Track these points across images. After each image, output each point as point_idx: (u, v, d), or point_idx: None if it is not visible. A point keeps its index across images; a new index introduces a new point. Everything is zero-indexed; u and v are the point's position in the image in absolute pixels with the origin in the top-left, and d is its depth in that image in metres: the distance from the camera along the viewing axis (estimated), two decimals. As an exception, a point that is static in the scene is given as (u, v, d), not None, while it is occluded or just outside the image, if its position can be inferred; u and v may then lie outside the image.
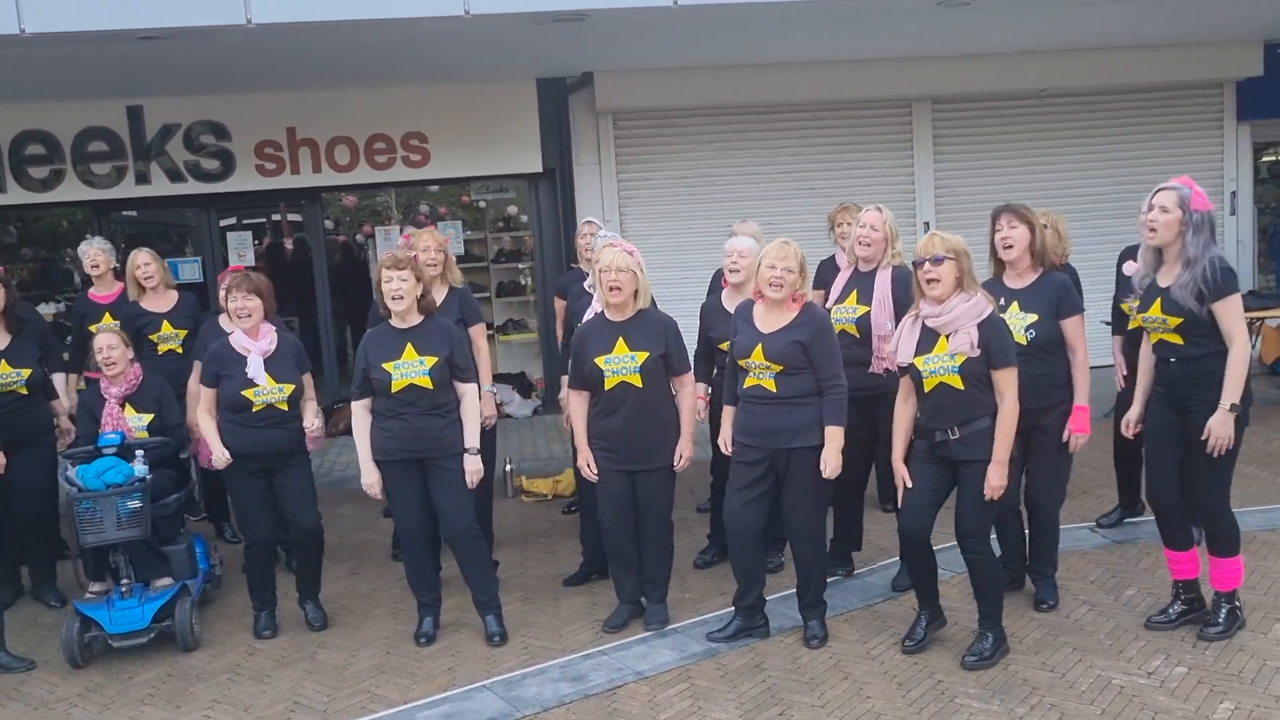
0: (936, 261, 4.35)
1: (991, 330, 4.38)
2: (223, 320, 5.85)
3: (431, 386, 4.90)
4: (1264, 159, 11.64)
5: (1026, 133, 10.71)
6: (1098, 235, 9.75)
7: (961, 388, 4.39)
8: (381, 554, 6.47)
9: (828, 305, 5.45)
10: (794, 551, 5.01)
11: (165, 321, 6.64)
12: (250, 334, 5.25)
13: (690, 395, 5.07)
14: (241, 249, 10.47)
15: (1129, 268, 6.10)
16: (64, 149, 9.48)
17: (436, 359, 4.92)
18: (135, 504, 5.11)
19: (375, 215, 11.56)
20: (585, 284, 5.93)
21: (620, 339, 4.89)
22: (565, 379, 5.53)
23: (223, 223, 10.71)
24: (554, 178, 10.23)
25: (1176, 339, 4.53)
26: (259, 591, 5.44)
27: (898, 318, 4.96)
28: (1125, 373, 5.70)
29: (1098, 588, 5.34)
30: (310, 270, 10.47)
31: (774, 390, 4.68)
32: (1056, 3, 8.05)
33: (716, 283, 6.22)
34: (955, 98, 10.51)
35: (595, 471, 5.03)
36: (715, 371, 5.60)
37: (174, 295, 6.78)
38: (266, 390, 5.19)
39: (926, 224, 10.57)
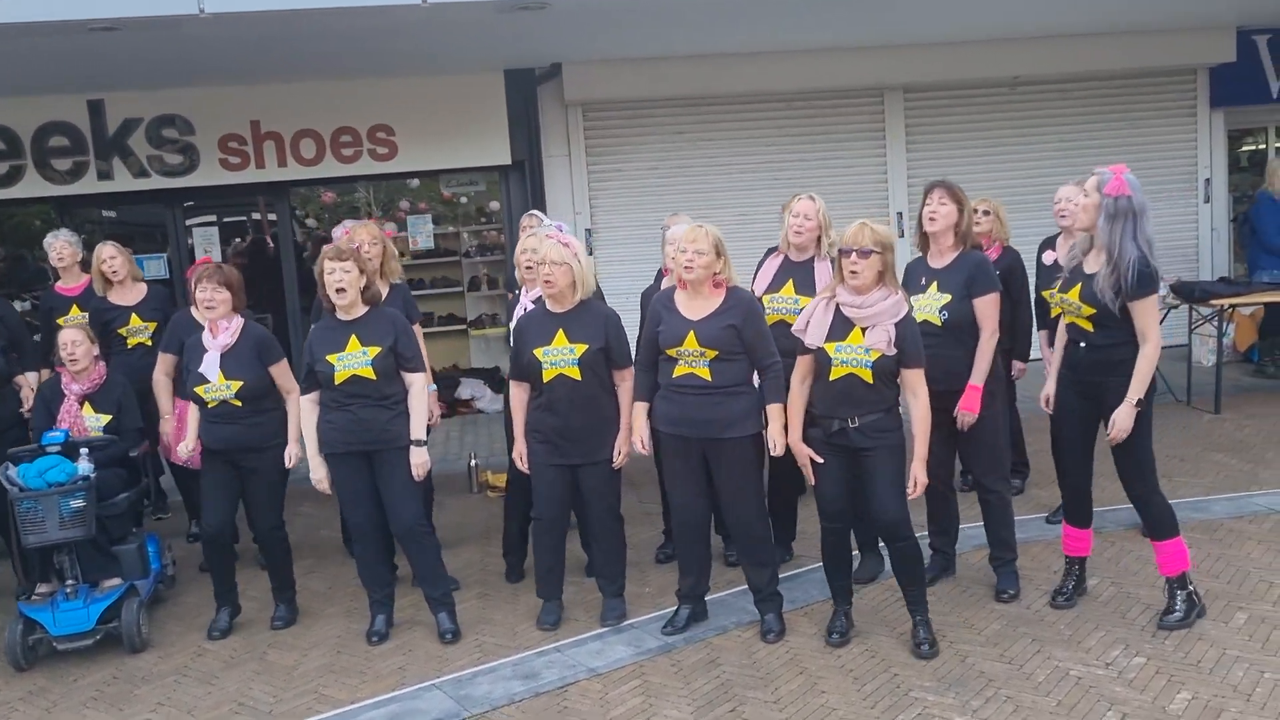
0: (864, 254, 4.29)
1: (907, 330, 4.35)
2: (195, 311, 5.74)
3: (375, 377, 4.80)
4: (1244, 148, 11.60)
5: (999, 121, 10.64)
6: (1071, 223, 9.68)
7: (871, 382, 4.35)
8: (341, 552, 6.37)
9: (760, 294, 5.37)
10: (740, 547, 4.91)
11: (134, 314, 6.54)
12: (213, 328, 5.15)
13: (629, 390, 4.95)
14: (208, 244, 10.35)
15: (1048, 257, 6.12)
16: (24, 144, 9.32)
17: (380, 349, 4.83)
18: (78, 503, 5.00)
19: (354, 211, 11.45)
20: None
21: (560, 330, 4.81)
22: None
23: (200, 219, 10.61)
24: (523, 170, 10.12)
25: (1087, 325, 4.54)
26: (217, 585, 5.34)
27: None
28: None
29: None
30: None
31: (708, 378, 4.61)
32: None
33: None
34: (928, 86, 10.44)
35: (526, 464, 4.94)
36: None
37: (142, 288, 6.68)
38: (215, 387, 5.08)
39: (900, 214, 10.52)
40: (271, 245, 12.02)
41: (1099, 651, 4.47)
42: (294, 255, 10.28)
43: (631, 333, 6.09)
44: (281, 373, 5.21)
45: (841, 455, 4.49)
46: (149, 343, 6.52)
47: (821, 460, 4.51)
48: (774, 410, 4.65)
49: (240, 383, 5.10)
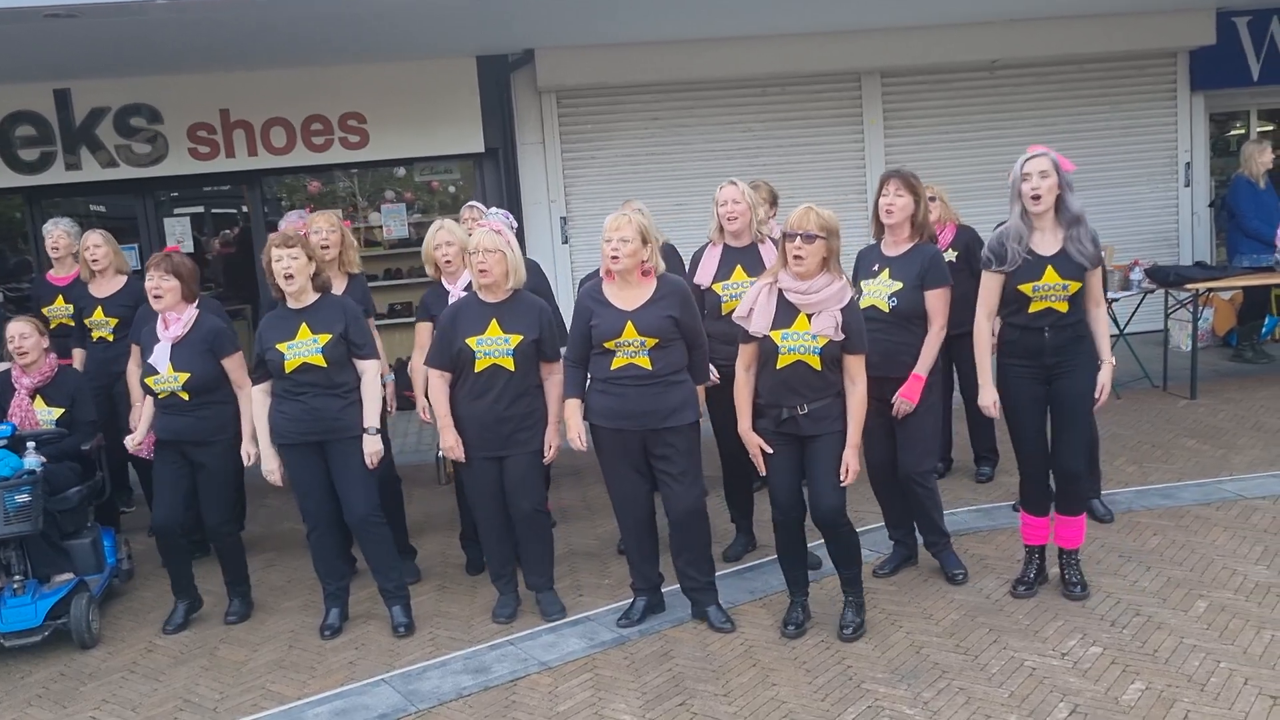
0: (808, 239, 4.22)
1: (852, 315, 4.31)
2: None
3: (325, 364, 4.73)
4: (1232, 133, 11.49)
5: (978, 105, 10.54)
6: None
7: (819, 369, 4.30)
8: (302, 546, 6.26)
9: (707, 285, 5.30)
10: (680, 537, 4.78)
11: (99, 307, 6.46)
12: (165, 318, 5.07)
13: (559, 383, 4.87)
14: (180, 235, 10.25)
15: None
16: (-11, 134, 9.25)
17: (330, 336, 4.76)
18: (24, 498, 4.93)
19: (340, 201, 11.33)
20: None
21: (494, 320, 4.74)
22: None
23: (187, 210, 10.52)
24: (497, 158, 10.03)
25: (1063, 306, 4.53)
26: (173, 581, 5.27)
27: None
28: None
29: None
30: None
31: (649, 367, 4.55)
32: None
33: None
34: (905, 70, 10.34)
35: (461, 453, 4.86)
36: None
37: (121, 281, 6.57)
38: (164, 379, 5.00)
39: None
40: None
41: (1056, 641, 4.41)
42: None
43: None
44: (235, 366, 5.12)
45: (792, 444, 4.43)
46: (110, 338, 6.46)
47: (771, 450, 4.44)
48: (700, 390, 4.78)
49: (188, 375, 5.01)
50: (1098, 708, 3.89)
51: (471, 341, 4.74)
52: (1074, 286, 4.46)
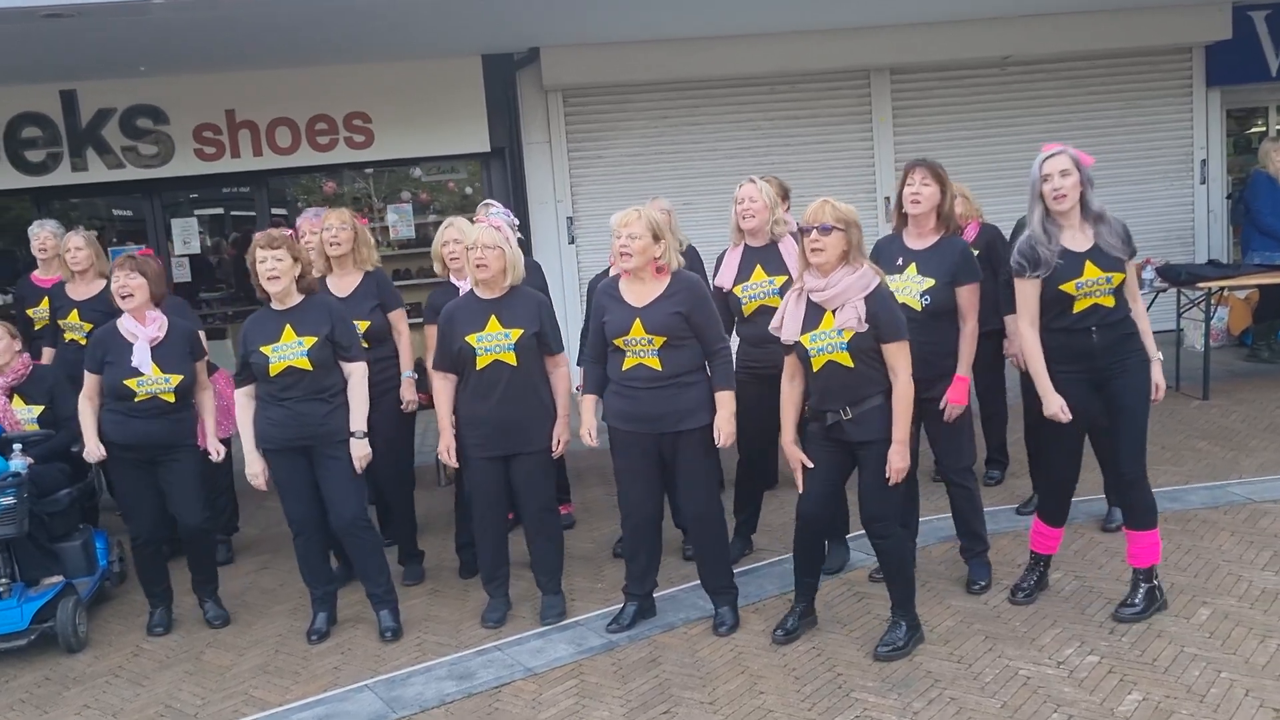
0: (824, 231, 4.09)
1: (879, 303, 4.11)
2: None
3: (311, 368, 4.67)
4: (1252, 130, 11.29)
5: (989, 102, 10.41)
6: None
7: (851, 365, 4.13)
8: (297, 547, 6.25)
9: (729, 288, 5.21)
10: (693, 537, 4.78)
11: (75, 310, 6.41)
12: (138, 318, 5.02)
13: (565, 377, 4.85)
14: (187, 236, 10.25)
15: None
16: (-4, 135, 9.26)
17: (316, 339, 4.69)
18: (8, 500, 4.88)
19: (355, 202, 11.30)
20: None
21: (492, 316, 4.67)
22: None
23: (206, 212, 10.54)
24: (504, 157, 9.98)
25: (1109, 301, 4.34)
26: (151, 587, 5.23)
27: None
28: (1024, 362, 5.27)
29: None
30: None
31: (659, 368, 4.46)
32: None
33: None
34: (915, 67, 10.21)
35: (453, 458, 4.82)
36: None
37: (100, 284, 6.50)
38: (151, 380, 4.95)
39: (888, 199, 10.30)
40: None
41: (1052, 649, 4.30)
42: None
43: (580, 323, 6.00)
44: (201, 369, 5.15)
45: (841, 450, 4.29)
46: (82, 340, 6.36)
47: (812, 465, 4.32)
48: (722, 398, 4.49)
49: (180, 377, 4.98)
50: (1092, 719, 3.78)
51: (472, 339, 4.68)
52: (1118, 278, 4.28)
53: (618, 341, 4.53)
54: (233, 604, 5.45)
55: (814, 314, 4.19)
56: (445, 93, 9.65)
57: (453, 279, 5.52)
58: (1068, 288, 4.32)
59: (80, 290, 6.39)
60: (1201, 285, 8.02)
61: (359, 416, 4.81)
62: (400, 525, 5.75)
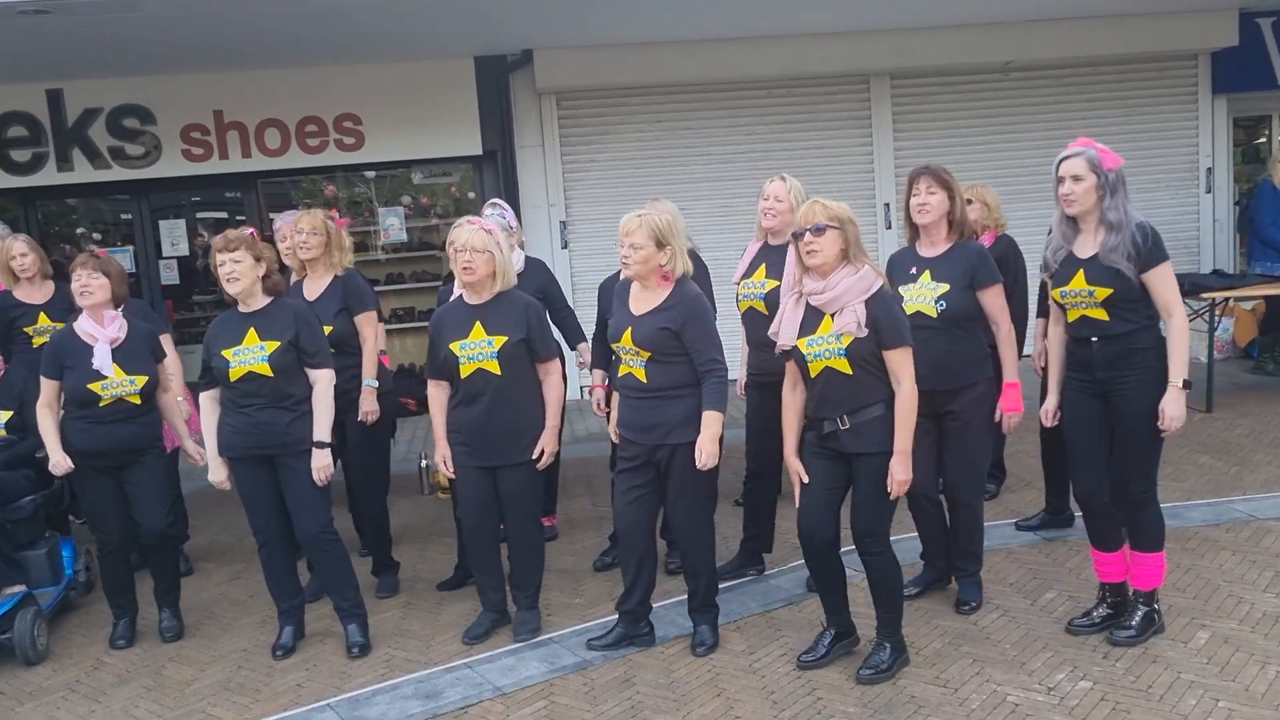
0: (818, 231, 3.90)
1: (881, 307, 3.90)
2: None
3: (272, 374, 4.50)
4: (1259, 140, 11.09)
5: (990, 108, 10.22)
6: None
7: (850, 372, 3.93)
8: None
9: (735, 281, 5.07)
10: (681, 554, 4.62)
11: (42, 313, 6.24)
12: (95, 319, 4.86)
13: (557, 385, 4.67)
14: (175, 238, 10.11)
15: None
16: (-20, 135, 9.14)
17: (278, 344, 4.52)
18: (-37, 508, 4.74)
19: (355, 206, 11.17)
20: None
21: (477, 323, 4.51)
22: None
23: (210, 215, 10.42)
24: (496, 161, 9.83)
25: (1101, 314, 4.11)
26: (115, 598, 5.06)
27: None
28: (1044, 363, 5.10)
29: (1016, 590, 4.92)
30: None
31: (644, 380, 4.29)
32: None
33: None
34: (915, 72, 10.04)
35: (451, 469, 4.65)
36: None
37: (51, 286, 6.38)
38: (115, 383, 4.79)
39: (887, 205, 10.15)
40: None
41: (1043, 674, 4.11)
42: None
43: (588, 327, 5.83)
44: (162, 371, 4.99)
45: (836, 461, 4.09)
46: None
47: (807, 480, 4.13)
48: (707, 418, 4.25)
49: (145, 378, 4.83)
50: (1081, 749, 3.60)
51: (454, 346, 4.52)
52: (1101, 293, 4.05)
53: (614, 346, 4.41)
54: (201, 616, 5.30)
55: (813, 318, 4.01)
56: (437, 95, 9.50)
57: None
58: (1056, 294, 4.22)
59: (35, 294, 6.21)
60: (1205, 296, 7.83)
61: (322, 426, 4.63)
62: (374, 536, 5.58)
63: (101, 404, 4.80)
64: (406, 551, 6.03)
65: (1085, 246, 4.15)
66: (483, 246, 4.47)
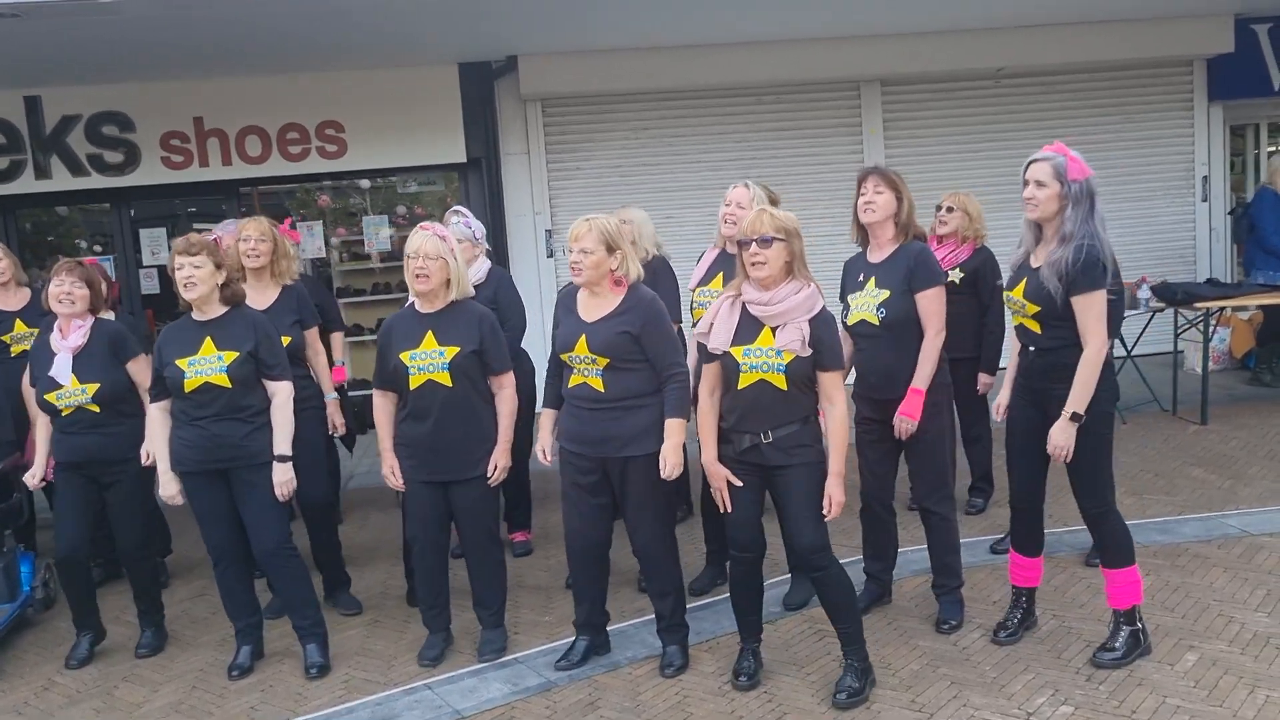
0: (765, 242, 3.78)
1: (824, 328, 3.83)
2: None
3: (230, 385, 4.35)
4: (1268, 149, 10.91)
5: (982, 115, 10.07)
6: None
7: (784, 389, 3.82)
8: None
9: (691, 289, 4.93)
10: (643, 570, 4.46)
11: (18, 320, 6.11)
12: (64, 329, 4.72)
13: (510, 399, 4.52)
14: (155, 246, 9.96)
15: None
16: (-44, 142, 9.00)
17: (237, 354, 4.37)
18: (-91, 522, 4.59)
19: (350, 217, 11.03)
20: None
21: (429, 332, 4.35)
22: None
23: (206, 226, 10.26)
24: (481, 168, 9.68)
25: (1035, 326, 4.05)
26: (76, 613, 4.91)
27: None
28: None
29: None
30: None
31: (601, 389, 4.12)
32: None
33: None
34: (906, 79, 9.89)
35: (400, 480, 4.49)
36: None
37: (27, 293, 6.25)
38: (70, 392, 4.66)
39: (878, 213, 9.97)
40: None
41: (1022, 698, 3.95)
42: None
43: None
44: (140, 369, 4.77)
45: (756, 474, 3.98)
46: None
47: (740, 483, 3.99)
48: (671, 426, 4.11)
49: (96, 385, 4.67)
50: (1060, 779, 3.43)
51: (405, 356, 4.37)
52: (1031, 308, 3.98)
53: (564, 356, 4.23)
54: (159, 634, 5.13)
55: (750, 326, 3.87)
56: (421, 102, 9.35)
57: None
58: (1005, 296, 4.22)
59: (10, 301, 6.08)
60: (1199, 305, 7.67)
61: (283, 439, 4.48)
62: (322, 551, 5.39)
63: (63, 414, 4.68)
64: (379, 568, 5.87)
65: (1039, 255, 4.06)
66: (436, 253, 4.32)
